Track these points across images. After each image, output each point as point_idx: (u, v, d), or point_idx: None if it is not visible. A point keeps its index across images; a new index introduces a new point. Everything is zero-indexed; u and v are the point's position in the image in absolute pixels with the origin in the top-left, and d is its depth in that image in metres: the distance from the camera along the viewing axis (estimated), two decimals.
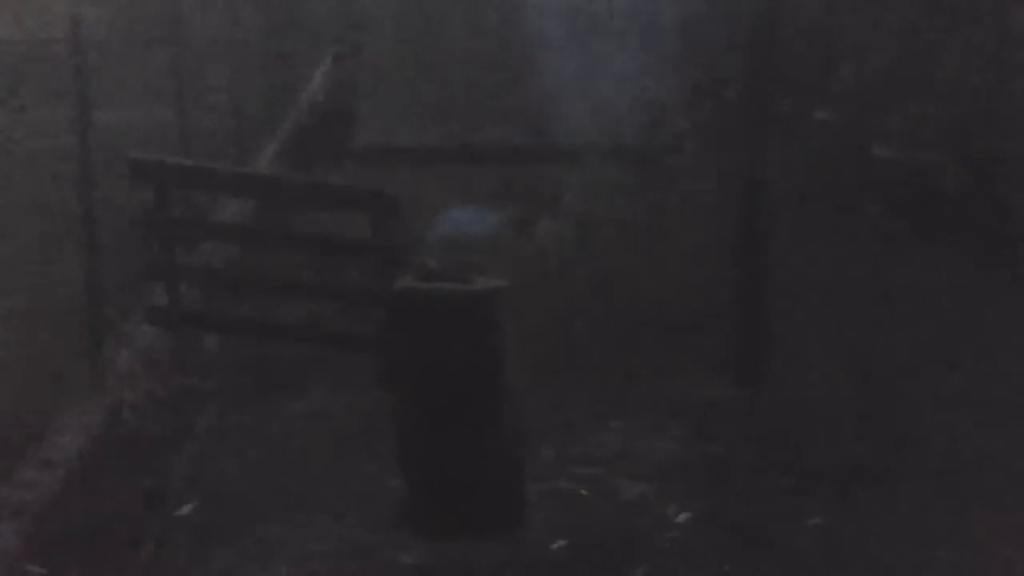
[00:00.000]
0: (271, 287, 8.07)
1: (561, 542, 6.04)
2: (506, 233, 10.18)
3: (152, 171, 7.85)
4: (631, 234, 10.00)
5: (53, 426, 6.89)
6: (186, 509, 6.34)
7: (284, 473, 6.78)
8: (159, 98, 12.63)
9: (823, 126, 12.29)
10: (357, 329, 7.69)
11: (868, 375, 7.87)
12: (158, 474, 6.72)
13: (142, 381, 7.53)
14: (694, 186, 10.93)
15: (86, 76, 7.36)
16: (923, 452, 6.92)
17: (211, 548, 6.01)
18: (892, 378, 7.80)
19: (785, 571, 5.87)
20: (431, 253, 6.90)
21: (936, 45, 12.76)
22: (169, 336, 7.97)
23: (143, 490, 6.51)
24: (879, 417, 7.35)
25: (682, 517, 6.26)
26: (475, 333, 6.08)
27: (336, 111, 16.34)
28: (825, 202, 11.01)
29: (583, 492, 6.53)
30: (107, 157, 8.12)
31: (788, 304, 8.28)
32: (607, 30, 14.26)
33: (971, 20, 11.87)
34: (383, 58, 17.49)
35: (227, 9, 14.47)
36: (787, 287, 8.49)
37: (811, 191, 11.03)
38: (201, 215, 8.57)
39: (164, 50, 12.46)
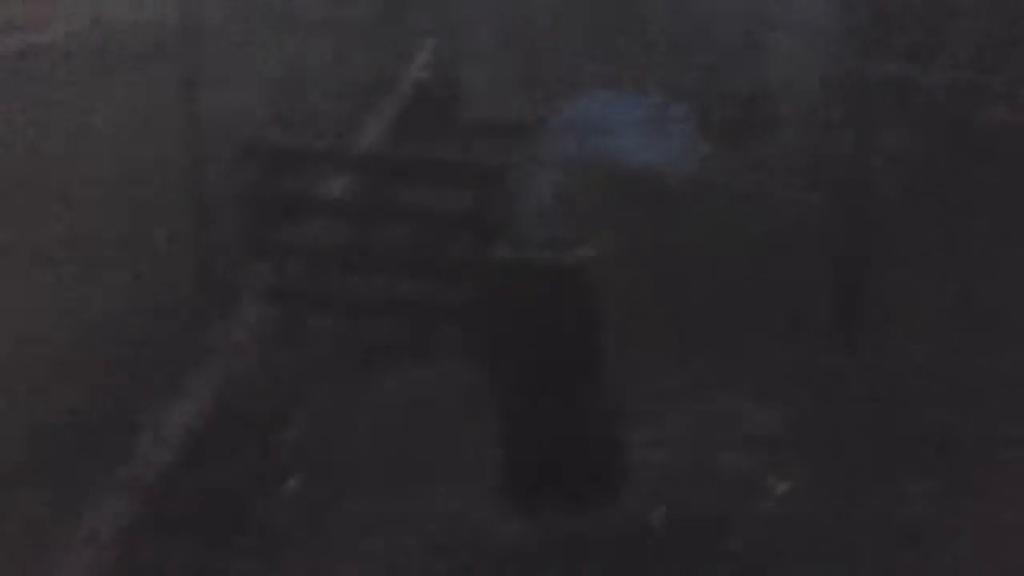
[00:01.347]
0: (375, 263, 8.18)
1: (660, 514, 6.07)
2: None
3: (260, 152, 8.01)
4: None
5: (165, 401, 7.07)
6: (294, 482, 6.48)
7: (387, 446, 6.88)
8: (267, 79, 12.88)
9: (933, 90, 12.11)
10: (459, 302, 7.77)
11: (976, 344, 7.79)
12: (268, 448, 6.86)
13: (251, 356, 7.68)
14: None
15: (196, 57, 7.52)
16: None
17: (318, 520, 6.13)
18: (999, 348, 7.71)
19: (883, 543, 5.86)
20: (534, 222, 6.91)
21: None
22: (276, 311, 8.12)
23: (254, 463, 6.65)
24: (984, 386, 7.28)
25: (782, 488, 6.26)
26: (570, 304, 6.13)
27: (440, 88, 16.46)
28: (938, 169, 10.86)
29: (683, 463, 6.56)
30: (215, 138, 8.29)
31: (895, 272, 8.22)
32: None
33: None
34: (487, 34, 17.54)
35: None
36: (896, 254, 8.43)
37: (922, 158, 10.89)
38: (307, 193, 8.69)
39: (270, 32, 12.70)
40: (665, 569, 5.80)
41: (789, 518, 6.06)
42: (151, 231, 9.10)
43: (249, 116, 12.43)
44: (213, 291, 7.99)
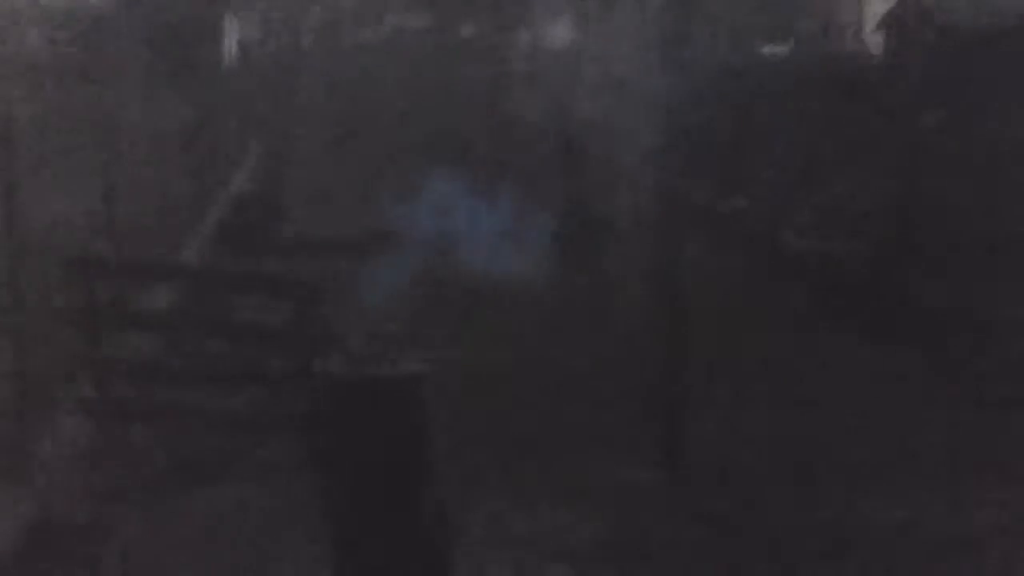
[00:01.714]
0: (196, 376, 8.19)
1: None
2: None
3: (81, 265, 7.99)
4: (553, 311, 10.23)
5: None
6: None
7: (213, 561, 6.87)
8: (88, 191, 12.79)
9: (736, 215, 12.66)
10: (282, 415, 7.81)
11: (779, 452, 8.13)
12: (87, 565, 6.78)
13: (69, 471, 7.59)
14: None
15: (12, 175, 7.50)
16: (842, 525, 7.15)
17: None
18: (803, 454, 8.06)
19: None
20: (356, 334, 7.03)
21: (848, 135, 13.21)
22: (95, 426, 8.05)
23: None
24: (795, 493, 7.58)
25: None
26: (397, 418, 6.23)
27: (262, 202, 16.54)
28: (740, 290, 11.34)
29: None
30: (36, 249, 8.23)
31: (703, 386, 8.52)
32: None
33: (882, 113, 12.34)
34: (310, 149, 17.74)
35: (154, 100, 14.65)
36: (702, 370, 8.75)
37: (727, 279, 11.35)
38: (127, 306, 8.67)
39: (94, 143, 12.63)
40: None
41: None
42: None
43: (67, 227, 12.37)
44: (31, 404, 7.88)
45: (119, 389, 8.20)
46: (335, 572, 6.30)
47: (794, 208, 12.82)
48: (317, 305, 7.73)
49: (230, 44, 30.62)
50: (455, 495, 6.58)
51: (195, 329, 8.40)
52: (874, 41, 17.61)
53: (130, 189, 13.40)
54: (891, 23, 17.90)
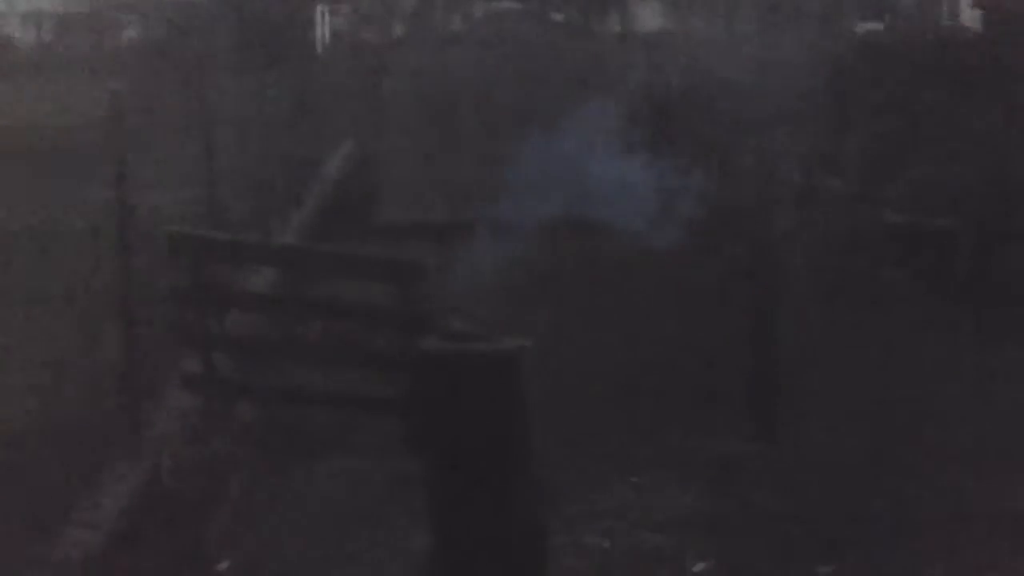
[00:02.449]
0: (300, 354, 8.35)
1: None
2: None
3: (186, 244, 8.17)
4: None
5: (95, 488, 7.15)
6: (223, 566, 6.59)
7: (314, 534, 7.02)
8: (188, 178, 13.06)
9: (834, 194, 12.60)
10: (386, 393, 7.94)
11: (878, 431, 8.13)
12: (196, 535, 6.97)
13: (179, 445, 7.79)
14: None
15: (124, 154, 7.70)
16: (930, 504, 7.16)
17: None
18: (900, 434, 8.06)
19: None
20: (458, 312, 7.13)
21: (945, 113, 13.11)
22: (203, 401, 8.24)
23: (182, 550, 6.75)
24: (888, 472, 7.59)
25: (699, 567, 6.50)
26: (497, 394, 6.31)
27: (356, 188, 16.70)
28: (839, 269, 11.31)
29: (605, 544, 6.77)
30: (142, 234, 8.44)
31: (801, 361, 8.55)
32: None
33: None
34: (403, 136, 17.88)
35: (252, 88, 14.88)
36: (801, 347, 8.78)
37: (825, 259, 11.33)
38: (233, 285, 8.85)
39: (191, 131, 12.89)
40: None
41: None
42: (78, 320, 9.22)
43: (173, 212, 12.63)
44: (143, 380, 8.09)
45: (226, 366, 8.38)
46: (436, 547, 6.39)
47: (891, 184, 12.73)
48: (419, 285, 7.83)
49: (323, 32, 30.94)
50: (554, 469, 6.67)
51: (299, 308, 8.55)
52: (972, 17, 17.40)
53: (227, 174, 13.66)
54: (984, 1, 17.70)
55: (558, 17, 27.13)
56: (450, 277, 10.54)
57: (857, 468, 7.67)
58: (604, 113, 15.15)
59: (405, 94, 20.12)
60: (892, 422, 8.26)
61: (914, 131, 12.80)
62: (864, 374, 8.99)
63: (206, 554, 6.74)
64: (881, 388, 8.76)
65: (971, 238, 11.52)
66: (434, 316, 7.58)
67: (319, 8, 31.25)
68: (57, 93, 22.06)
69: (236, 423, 8.28)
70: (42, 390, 8.30)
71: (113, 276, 8.05)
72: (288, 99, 18.04)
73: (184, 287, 8.17)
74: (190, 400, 8.23)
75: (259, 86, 18.11)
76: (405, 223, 14.96)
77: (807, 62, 14.00)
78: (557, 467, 6.86)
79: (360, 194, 16.25)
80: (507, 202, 14.29)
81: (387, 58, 22.95)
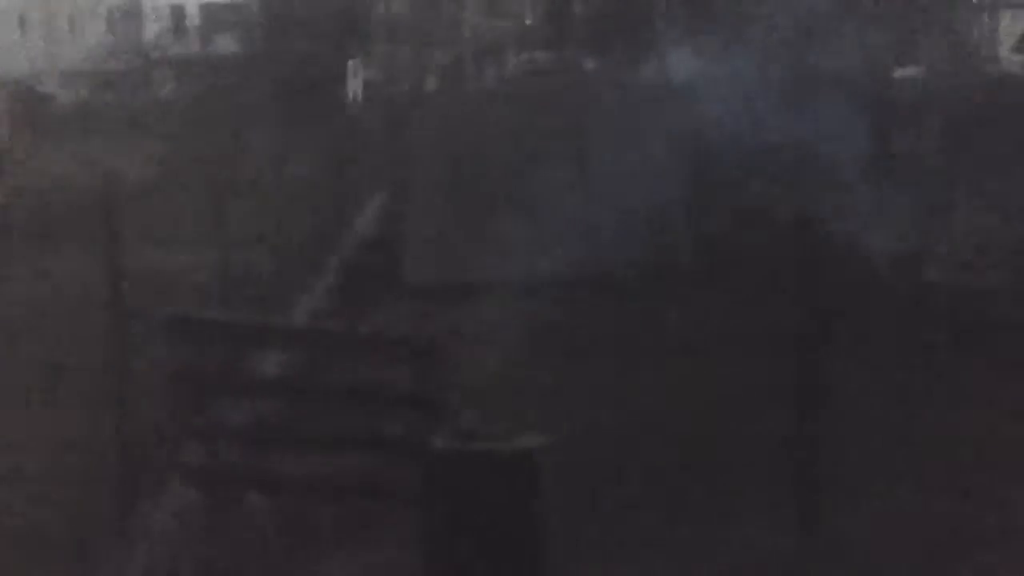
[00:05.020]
0: (309, 442, 7.90)
1: None
2: None
3: (187, 327, 7.76)
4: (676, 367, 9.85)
5: None
6: None
7: None
8: (208, 239, 12.73)
9: (876, 252, 12.11)
10: (398, 485, 7.49)
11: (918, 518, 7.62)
12: None
13: (178, 544, 7.35)
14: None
15: (117, 227, 7.32)
16: None
17: None
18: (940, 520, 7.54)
19: None
20: (471, 405, 6.70)
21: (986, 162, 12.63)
22: (206, 495, 7.80)
23: None
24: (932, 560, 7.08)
25: None
26: (512, 494, 5.89)
27: (387, 248, 16.35)
28: (879, 326, 10.81)
29: None
30: (148, 302, 8.06)
31: (842, 447, 8.02)
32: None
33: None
34: (432, 193, 17.52)
35: (271, 147, 14.59)
36: (841, 422, 8.24)
37: (866, 316, 10.82)
38: (237, 369, 8.43)
39: (210, 191, 12.59)
40: None
41: None
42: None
43: (189, 276, 12.29)
44: (139, 471, 7.67)
45: (229, 454, 7.94)
46: None
47: (933, 240, 12.25)
48: (434, 369, 7.40)
49: (355, 87, 30.76)
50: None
51: (306, 394, 8.11)
52: (1013, 60, 16.93)
53: (251, 234, 13.35)
54: None
55: (590, 66, 26.80)
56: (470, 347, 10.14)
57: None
58: (636, 167, 14.77)
59: (436, 149, 19.81)
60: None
61: (955, 185, 12.32)
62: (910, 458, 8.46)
63: None
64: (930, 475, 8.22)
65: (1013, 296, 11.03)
66: (446, 405, 7.16)
67: (351, 63, 31.12)
68: (93, 151, 22.01)
69: (242, 516, 7.83)
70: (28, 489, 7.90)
71: (107, 356, 7.65)
72: (319, 155, 17.79)
73: (184, 372, 7.77)
74: (191, 494, 7.80)
75: (290, 142, 17.88)
76: (434, 282, 14.60)
77: (844, 111, 13.55)
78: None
79: (389, 252, 15.92)
80: (529, 261, 13.92)
81: (418, 113, 22.67)
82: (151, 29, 40.51)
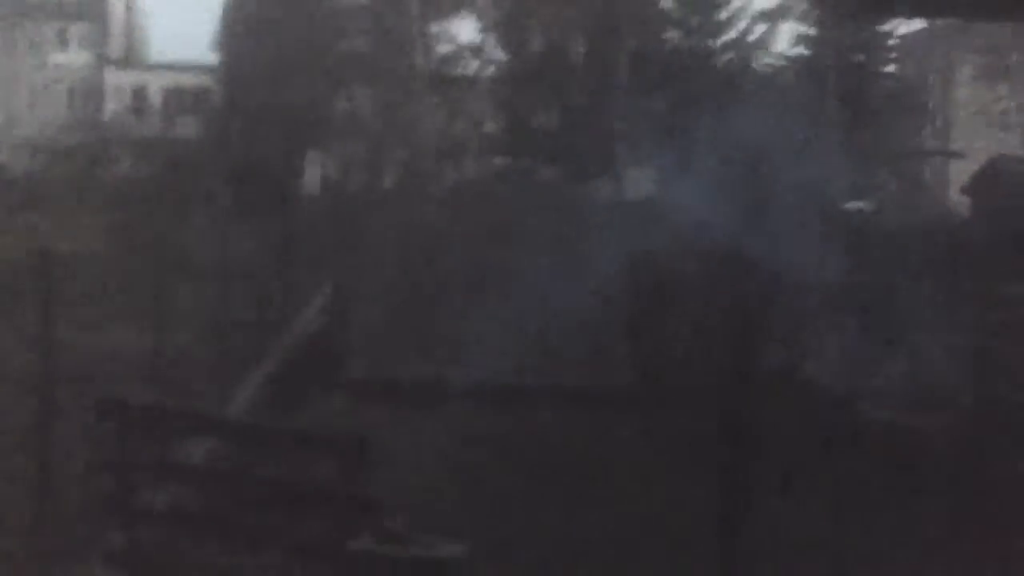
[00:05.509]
0: (232, 533, 7.78)
1: None
2: None
3: (115, 410, 7.67)
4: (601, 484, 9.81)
5: None
6: None
7: None
8: (144, 322, 12.63)
9: (810, 383, 12.16)
10: None
11: None
12: None
13: None
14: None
15: (51, 317, 7.25)
16: None
17: None
18: None
19: None
20: (396, 510, 6.62)
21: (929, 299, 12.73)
22: None
23: None
24: None
25: None
26: None
27: (329, 341, 16.26)
28: (811, 458, 10.81)
29: None
30: (80, 382, 7.95)
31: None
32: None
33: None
34: (380, 290, 17.52)
35: (216, 231, 14.53)
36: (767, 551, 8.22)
37: (797, 449, 10.83)
38: (164, 455, 8.32)
39: (150, 274, 12.51)
40: None
41: None
42: None
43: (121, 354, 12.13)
44: (58, 552, 7.52)
45: (150, 540, 7.82)
46: None
47: (870, 375, 12.30)
48: (361, 468, 7.32)
49: (313, 179, 30.81)
50: None
51: (231, 485, 8.01)
52: (960, 203, 17.16)
53: (192, 319, 13.24)
54: (977, 187, 17.48)
55: (548, 176, 27.01)
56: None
57: None
58: (576, 280, 14.83)
59: (386, 246, 19.83)
60: None
61: (896, 321, 12.41)
62: None
63: None
64: None
65: (953, 437, 11.04)
66: (371, 505, 7.08)
67: (310, 154, 31.21)
68: (37, 223, 21.80)
69: None
70: None
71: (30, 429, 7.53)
72: (268, 244, 17.74)
73: (110, 455, 7.67)
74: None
75: (241, 228, 17.82)
76: (374, 380, 14.51)
77: (792, 240, 13.67)
78: None
79: (331, 347, 15.82)
80: (473, 363, 13.91)
81: (374, 210, 22.76)
82: (111, 108, 40.58)
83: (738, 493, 7.85)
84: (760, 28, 30.15)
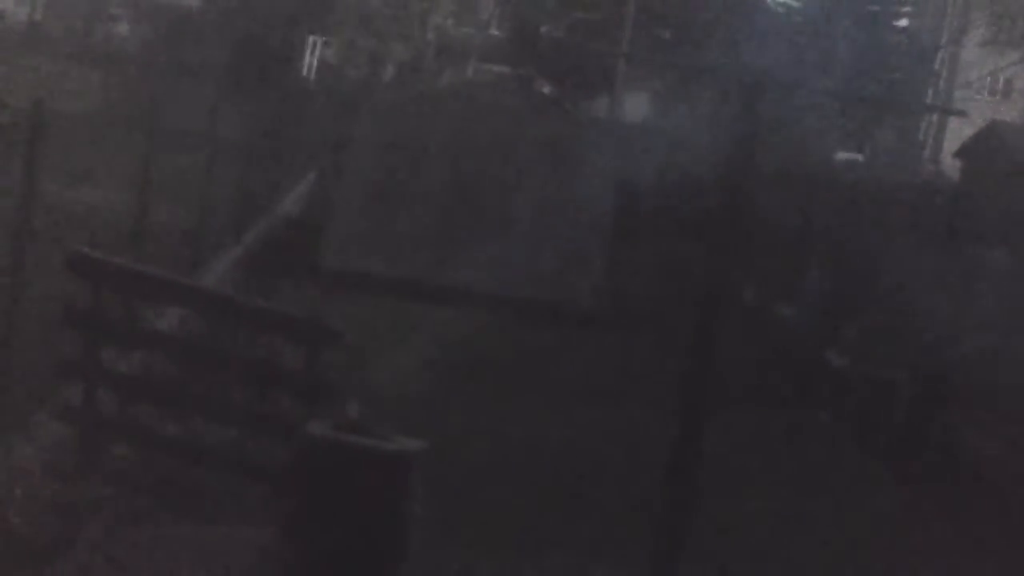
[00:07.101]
0: (191, 404, 7.81)
1: None
2: None
3: (91, 267, 7.63)
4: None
5: None
6: None
7: None
8: (129, 183, 12.54)
9: (783, 323, 12.22)
10: (269, 463, 7.42)
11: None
12: None
13: (37, 481, 7.23)
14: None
15: (37, 160, 7.21)
16: None
17: None
18: None
19: None
20: (357, 399, 6.65)
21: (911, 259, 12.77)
22: (77, 438, 7.68)
23: None
24: None
25: None
26: (383, 495, 5.86)
27: (308, 228, 16.22)
28: (774, 401, 10.91)
29: None
30: (61, 234, 7.91)
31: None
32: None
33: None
34: (363, 183, 17.44)
35: (208, 103, 14.37)
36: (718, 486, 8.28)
37: (761, 387, 10.93)
38: (136, 318, 8.31)
39: (143, 135, 12.41)
40: None
41: None
42: None
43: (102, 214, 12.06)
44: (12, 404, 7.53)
45: (108, 403, 7.83)
46: None
47: (841, 325, 12.37)
48: (327, 355, 7.35)
49: (311, 62, 30.51)
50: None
51: (198, 356, 8.02)
52: (951, 166, 17.15)
53: (182, 189, 13.18)
54: (969, 152, 17.48)
55: (545, 90, 26.86)
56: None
57: None
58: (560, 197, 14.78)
59: (379, 139, 19.71)
60: None
61: (873, 277, 12.46)
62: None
63: None
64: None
65: (912, 391, 11.14)
66: (333, 393, 7.12)
67: (311, 38, 30.93)
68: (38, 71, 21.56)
69: (107, 465, 7.71)
70: None
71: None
72: (260, 123, 17.62)
73: (80, 311, 7.66)
74: (63, 434, 7.68)
75: (236, 100, 17.68)
76: (348, 272, 14.51)
77: (780, 183, 13.65)
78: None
79: (308, 234, 15.79)
80: (454, 268, 13.90)
81: (367, 102, 22.55)
82: None
83: (696, 413, 7.89)
84: None
